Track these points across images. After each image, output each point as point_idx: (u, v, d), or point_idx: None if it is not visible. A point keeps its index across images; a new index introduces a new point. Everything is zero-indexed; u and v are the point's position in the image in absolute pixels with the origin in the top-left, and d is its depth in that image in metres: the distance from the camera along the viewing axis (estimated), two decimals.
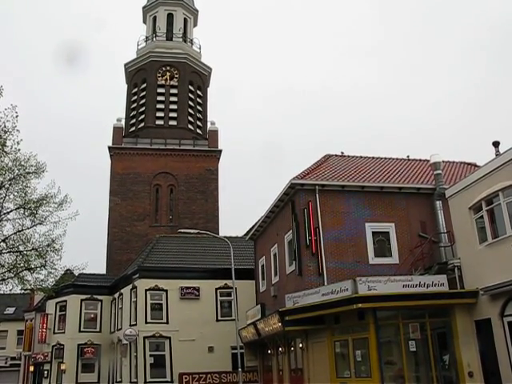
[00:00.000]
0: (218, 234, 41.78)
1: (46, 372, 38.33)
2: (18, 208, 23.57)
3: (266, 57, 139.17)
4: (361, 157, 30.52)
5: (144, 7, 56.53)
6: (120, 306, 36.13)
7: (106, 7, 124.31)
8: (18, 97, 24.73)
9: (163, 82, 51.48)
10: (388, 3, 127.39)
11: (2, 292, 25.81)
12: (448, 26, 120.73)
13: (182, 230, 34.04)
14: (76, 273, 31.92)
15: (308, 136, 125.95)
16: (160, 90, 51.21)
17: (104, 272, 43.26)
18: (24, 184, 23.26)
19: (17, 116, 21.34)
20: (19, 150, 22.37)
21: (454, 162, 31.07)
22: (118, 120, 49.78)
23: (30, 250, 23.94)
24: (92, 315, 38.23)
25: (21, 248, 23.89)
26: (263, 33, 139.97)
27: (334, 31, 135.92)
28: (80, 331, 37.20)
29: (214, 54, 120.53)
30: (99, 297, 38.39)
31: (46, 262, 24.23)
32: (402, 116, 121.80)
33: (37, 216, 23.92)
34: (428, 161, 27.60)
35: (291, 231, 25.05)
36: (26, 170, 23.11)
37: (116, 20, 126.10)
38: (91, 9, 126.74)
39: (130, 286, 34.40)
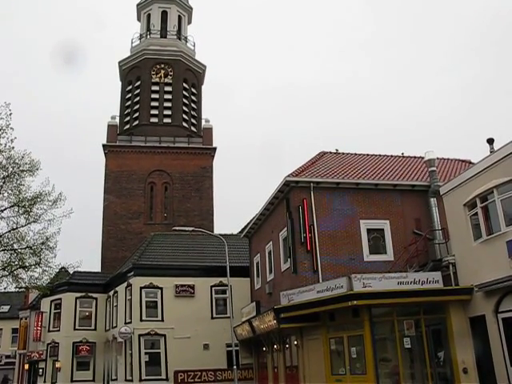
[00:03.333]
0: (213, 231, 41.79)
1: (41, 370, 38.24)
2: (12, 206, 23.51)
3: (261, 53, 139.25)
4: (355, 154, 30.52)
5: (138, 4, 56.45)
6: (115, 304, 36.07)
7: (101, 4, 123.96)
8: (11, 93, 24.63)
9: (157, 79, 51.47)
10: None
11: None
12: (443, 22, 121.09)
13: (177, 228, 34.05)
14: (71, 271, 31.87)
15: (305, 132, 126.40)
16: (154, 88, 51.21)
17: (99, 270, 43.24)
18: (18, 182, 23.23)
19: (10, 114, 21.34)
20: (13, 147, 22.37)
21: (448, 159, 31.13)
22: (113, 118, 49.75)
23: (25, 248, 23.91)
24: (87, 313, 38.12)
25: (15, 246, 23.85)
26: (258, 29, 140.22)
27: (330, 27, 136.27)
28: (75, 329, 37.11)
29: (209, 51, 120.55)
30: (94, 295, 38.29)
31: (40, 260, 24.20)
32: (397, 112, 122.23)
33: (31, 214, 23.88)
34: (422, 158, 27.63)
35: (286, 228, 25.04)
36: (20, 168, 23.07)
37: (112, 17, 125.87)
38: (87, 6, 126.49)
39: (125, 284, 34.35)
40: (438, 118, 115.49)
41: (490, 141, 23.85)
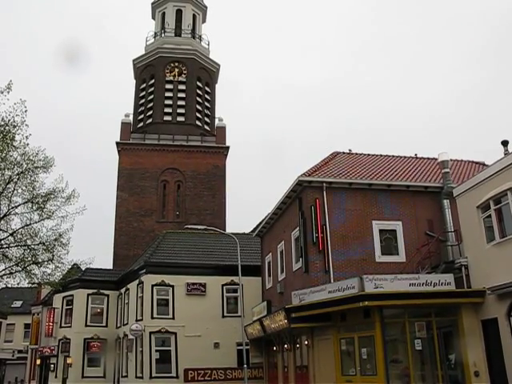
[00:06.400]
0: (225, 230, 41.83)
1: (52, 365, 38.55)
2: (26, 202, 23.68)
3: (268, 52, 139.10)
4: (368, 154, 30.43)
5: (153, 3, 56.64)
6: (126, 301, 36.24)
7: (118, 1, 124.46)
8: (25, 92, 24.76)
9: (171, 77, 51.61)
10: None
11: (9, 286, 25.96)
12: (457, 21, 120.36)
13: (189, 226, 34.10)
14: (83, 267, 32.04)
15: (314, 131, 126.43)
16: (168, 86, 51.35)
17: (111, 267, 43.43)
18: (32, 178, 23.38)
19: (26, 110, 21.42)
20: (28, 144, 22.50)
21: (462, 161, 30.95)
22: (126, 115, 49.95)
23: (38, 244, 24.08)
24: (98, 310, 38.35)
25: (28, 242, 24.03)
26: (264, 29, 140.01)
27: (340, 26, 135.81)
28: (86, 325, 37.33)
29: (217, 49, 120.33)
30: (106, 291, 38.50)
31: (53, 256, 24.37)
32: (407, 112, 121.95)
33: (44, 210, 24.02)
34: (436, 159, 27.51)
35: (298, 228, 25.01)
36: (35, 165, 23.21)
37: (127, 15, 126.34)
38: (101, 3, 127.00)
39: (137, 281, 34.48)
40: (451, 118, 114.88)
41: (505, 143, 23.66)
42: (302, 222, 24.35)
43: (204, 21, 57.86)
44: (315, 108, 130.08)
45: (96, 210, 43.35)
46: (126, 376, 34.38)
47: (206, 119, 52.39)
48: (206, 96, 53.27)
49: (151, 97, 51.34)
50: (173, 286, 33.48)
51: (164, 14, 55.45)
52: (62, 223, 24.68)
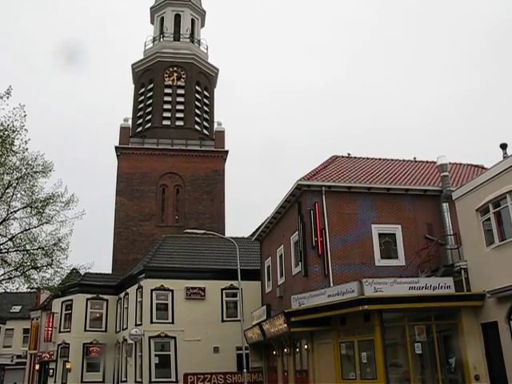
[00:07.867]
0: (224, 234, 41.79)
1: (51, 371, 38.47)
2: (25, 207, 23.66)
3: (267, 55, 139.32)
4: (367, 158, 30.46)
5: (151, 8, 56.71)
6: (125, 306, 36.20)
7: (116, 6, 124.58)
8: (23, 96, 24.73)
9: (170, 82, 51.61)
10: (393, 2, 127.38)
11: (8, 290, 25.91)
12: (457, 24, 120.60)
13: (188, 231, 34.08)
14: (82, 272, 32.04)
15: (313, 134, 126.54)
16: (167, 91, 51.34)
17: (110, 272, 43.34)
18: (31, 183, 23.37)
19: (25, 115, 21.40)
20: (27, 149, 22.47)
21: (461, 164, 30.98)
22: (125, 120, 49.92)
23: (37, 249, 24.05)
24: (98, 314, 38.29)
25: (27, 247, 23.99)
26: (263, 32, 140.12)
27: (339, 29, 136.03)
28: (85, 330, 37.29)
29: (215, 52, 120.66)
30: (105, 296, 38.47)
31: (52, 260, 24.36)
32: (406, 114, 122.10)
33: (44, 215, 24.00)
34: (435, 162, 27.54)
35: (297, 232, 25.01)
36: (34, 169, 23.20)
37: (125, 20, 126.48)
38: (100, 7, 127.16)
39: (136, 286, 34.45)
40: (443, 120, 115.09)
41: (504, 146, 23.70)
42: (301, 226, 24.34)
43: (203, 25, 57.95)
44: (314, 111, 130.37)
45: (95, 214, 43.40)
46: (126, 381, 34.33)
47: (205, 123, 52.38)
48: (205, 100, 53.29)
49: (150, 101, 51.32)
50: (172, 291, 33.46)
51: (163, 18, 55.49)
52: (61, 228, 24.70)
